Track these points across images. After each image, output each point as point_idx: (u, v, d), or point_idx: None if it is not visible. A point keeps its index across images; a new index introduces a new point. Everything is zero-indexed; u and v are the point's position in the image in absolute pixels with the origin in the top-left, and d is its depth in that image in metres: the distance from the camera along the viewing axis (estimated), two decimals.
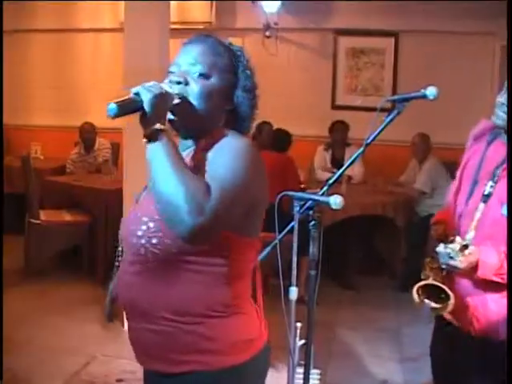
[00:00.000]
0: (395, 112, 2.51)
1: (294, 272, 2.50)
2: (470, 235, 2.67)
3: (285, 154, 6.51)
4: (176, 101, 1.87)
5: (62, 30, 8.80)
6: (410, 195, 6.82)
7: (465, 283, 2.76)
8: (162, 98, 1.78)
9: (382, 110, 2.61)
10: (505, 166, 2.67)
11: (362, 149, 2.59)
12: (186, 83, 1.91)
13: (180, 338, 1.87)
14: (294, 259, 2.49)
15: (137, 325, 1.94)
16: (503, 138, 2.73)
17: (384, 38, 8.05)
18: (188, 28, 7.58)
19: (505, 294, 2.65)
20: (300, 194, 2.47)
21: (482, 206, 2.69)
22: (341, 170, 2.65)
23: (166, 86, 1.86)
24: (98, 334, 4.94)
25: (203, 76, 1.93)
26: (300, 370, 2.58)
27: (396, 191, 6.91)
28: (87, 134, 7.62)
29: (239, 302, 1.94)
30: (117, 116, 1.76)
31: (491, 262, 2.60)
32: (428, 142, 6.99)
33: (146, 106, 1.75)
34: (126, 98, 1.78)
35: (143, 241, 1.85)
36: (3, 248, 5.29)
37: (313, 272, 2.45)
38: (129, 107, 1.77)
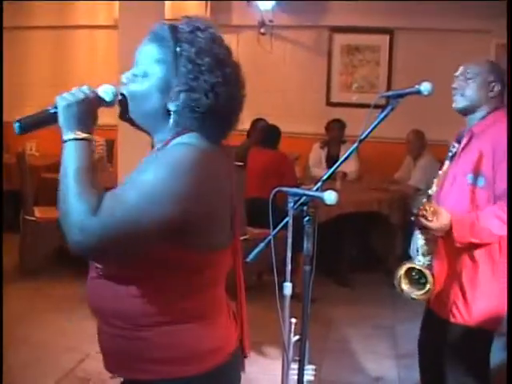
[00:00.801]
0: (389, 108, 2.52)
1: (289, 268, 2.50)
2: (433, 189, 2.86)
3: (275, 150, 6.51)
4: (119, 97, 1.83)
5: (57, 27, 8.81)
6: (405, 192, 6.83)
7: (445, 274, 2.96)
8: (80, 106, 1.73)
9: (377, 106, 2.62)
10: (466, 140, 2.95)
11: (355, 145, 2.59)
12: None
13: (132, 345, 1.82)
14: (289, 255, 2.49)
15: (98, 324, 1.92)
16: (468, 125, 3.00)
17: (379, 36, 8.07)
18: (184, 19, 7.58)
19: (482, 284, 2.88)
20: (294, 190, 2.47)
21: (447, 163, 2.91)
22: (335, 166, 2.65)
23: (106, 90, 1.82)
24: (93, 332, 4.93)
25: (137, 76, 1.81)
26: (295, 365, 2.59)
27: (391, 188, 6.93)
28: None
29: (197, 313, 1.85)
30: (25, 132, 1.76)
31: (464, 222, 2.80)
32: (423, 139, 7.01)
33: (59, 116, 1.73)
34: (40, 112, 1.78)
35: None
36: None
37: (307, 267, 2.45)
38: (39, 121, 1.77)
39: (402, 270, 2.89)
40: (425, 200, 2.84)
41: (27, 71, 8.98)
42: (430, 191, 2.84)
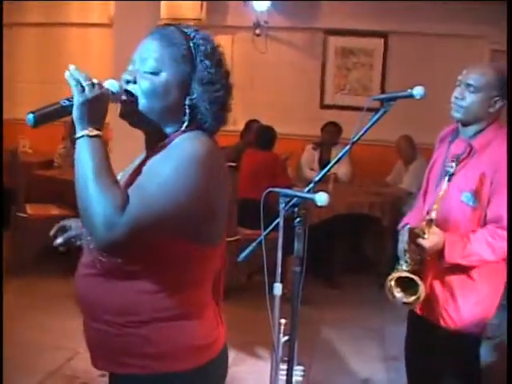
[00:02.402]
0: (382, 111, 2.53)
1: (279, 268, 2.52)
2: (434, 213, 2.80)
3: (271, 151, 6.52)
4: (123, 97, 1.82)
5: (50, 24, 8.78)
6: (396, 195, 6.84)
7: (435, 279, 2.95)
8: (95, 102, 1.74)
9: (370, 109, 2.63)
10: (465, 156, 2.87)
11: (347, 147, 2.61)
12: (135, 81, 1.84)
13: (123, 340, 1.84)
14: (279, 256, 2.51)
15: (86, 322, 1.93)
16: (462, 135, 2.94)
17: (373, 39, 8.08)
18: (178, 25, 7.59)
19: (471, 288, 2.88)
20: (286, 191, 2.48)
21: (445, 184, 2.84)
22: (327, 168, 2.67)
23: (113, 85, 1.82)
24: (82, 330, 4.92)
25: (151, 73, 1.82)
26: (283, 366, 2.60)
27: (383, 191, 6.94)
28: (74, 129, 7.56)
29: (190, 309, 1.87)
30: (39, 124, 1.73)
31: (456, 245, 2.77)
32: (412, 144, 7.03)
33: (75, 112, 1.74)
34: (52, 104, 1.76)
35: (92, 246, 1.82)
36: None
37: (297, 269, 2.46)
38: (53, 113, 1.75)
39: (392, 281, 2.89)
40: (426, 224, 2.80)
41: (19, 68, 8.95)
42: (433, 214, 2.80)
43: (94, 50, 8.64)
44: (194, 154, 1.73)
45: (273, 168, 6.27)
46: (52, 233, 2.08)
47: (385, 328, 5.50)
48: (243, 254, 2.80)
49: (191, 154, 1.73)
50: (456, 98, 2.89)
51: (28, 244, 6.39)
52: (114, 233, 1.62)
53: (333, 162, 2.67)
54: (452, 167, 2.83)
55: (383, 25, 7.82)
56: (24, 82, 8.92)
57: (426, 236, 2.76)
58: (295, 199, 2.43)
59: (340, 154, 2.63)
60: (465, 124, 2.93)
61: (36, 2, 8.61)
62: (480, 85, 2.83)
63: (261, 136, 6.64)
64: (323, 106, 8.35)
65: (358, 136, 2.56)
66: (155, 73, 1.82)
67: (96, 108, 1.75)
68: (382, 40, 8.06)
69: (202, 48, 1.84)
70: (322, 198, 2.33)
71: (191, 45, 1.84)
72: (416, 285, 2.80)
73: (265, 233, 2.49)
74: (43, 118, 1.73)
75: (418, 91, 2.52)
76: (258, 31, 7.98)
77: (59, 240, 2.06)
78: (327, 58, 8.31)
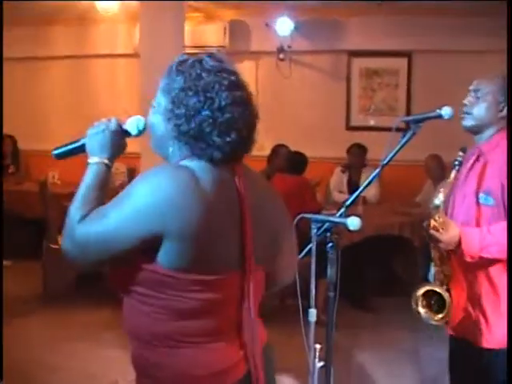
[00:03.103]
0: (411, 132, 2.52)
1: (313, 293, 2.50)
2: (440, 198, 2.78)
3: (300, 176, 6.51)
4: (134, 133, 2.05)
5: (78, 57, 8.91)
6: (426, 215, 6.76)
7: (464, 298, 2.88)
8: (102, 136, 1.98)
9: (398, 129, 2.62)
10: (474, 158, 2.89)
11: (378, 170, 2.59)
12: None
13: (135, 359, 1.97)
14: (313, 281, 2.49)
15: None
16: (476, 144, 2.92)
17: (397, 59, 8.09)
18: (202, 52, 7.65)
19: (502, 303, 2.79)
20: (318, 216, 2.47)
21: (453, 173, 2.84)
22: (358, 191, 2.66)
23: (131, 121, 2.03)
24: (119, 359, 4.94)
25: (154, 107, 1.95)
26: None
27: (413, 211, 6.88)
28: None
29: (188, 338, 1.86)
30: (61, 158, 2.08)
31: (473, 235, 2.74)
32: (441, 163, 6.95)
33: (87, 141, 2.00)
34: (73, 141, 2.07)
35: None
36: (21, 274, 5.33)
37: (331, 294, 2.45)
38: (72, 150, 2.07)
39: (420, 291, 2.86)
40: (434, 219, 2.80)
41: (48, 100, 9.08)
42: (436, 201, 2.79)
43: (121, 80, 8.74)
44: (152, 178, 1.80)
45: (302, 193, 6.25)
46: None
47: (420, 350, 5.43)
48: None
49: (150, 178, 1.80)
50: (465, 105, 2.89)
51: (60, 275, 6.41)
52: (66, 243, 1.83)
53: (363, 185, 2.66)
54: (461, 156, 2.82)
55: (407, 44, 7.82)
56: (54, 113, 9.02)
57: (437, 218, 2.77)
58: (327, 224, 2.42)
59: (370, 178, 2.62)
60: (476, 132, 2.91)
61: (63, 33, 8.72)
62: (487, 90, 2.84)
63: (292, 161, 6.63)
64: (349, 128, 8.35)
65: (388, 158, 2.55)
66: (156, 106, 1.98)
67: (104, 141, 1.99)
68: (406, 59, 8.06)
69: (179, 82, 1.86)
70: (354, 223, 2.32)
71: (188, 76, 1.87)
72: (443, 303, 2.77)
73: (298, 257, 2.48)
74: (64, 152, 2.08)
75: (446, 111, 2.51)
76: (281, 56, 8.02)
77: None
78: (352, 80, 8.32)
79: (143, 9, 5.68)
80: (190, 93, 1.83)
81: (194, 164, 1.82)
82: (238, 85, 1.89)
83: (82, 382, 4.63)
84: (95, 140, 1.98)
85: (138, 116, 2.03)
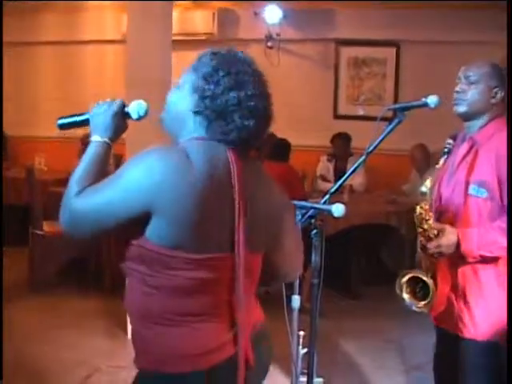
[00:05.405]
0: (396, 121, 2.53)
1: (297, 281, 2.51)
2: (427, 185, 2.84)
3: (286, 163, 6.51)
4: (135, 117, 2.08)
5: (66, 42, 8.87)
6: (413, 204, 6.78)
7: (447, 288, 2.88)
8: (104, 116, 2.05)
9: (384, 119, 2.63)
10: (467, 148, 2.87)
11: (363, 158, 2.60)
12: None
13: (133, 335, 2.00)
14: None
15: None
16: (468, 132, 2.92)
17: (385, 48, 8.08)
18: (190, 39, 7.63)
19: (486, 296, 2.82)
20: (302, 203, 2.48)
21: (442, 160, 2.88)
22: (342, 179, 2.66)
23: (133, 105, 2.08)
24: (103, 346, 4.95)
25: (178, 86, 2.01)
26: (303, 378, 2.59)
27: (399, 200, 6.89)
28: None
29: (179, 317, 1.89)
30: (64, 128, 2.16)
31: (471, 235, 2.73)
32: (427, 153, 6.97)
33: (90, 118, 2.09)
34: (78, 114, 2.15)
35: None
36: (7, 260, 5.31)
37: (315, 280, 2.46)
38: (76, 122, 2.15)
39: (405, 278, 2.88)
40: (421, 206, 2.85)
41: (35, 86, 9.03)
42: (423, 188, 2.80)
43: (109, 66, 8.71)
44: (145, 157, 1.85)
45: (289, 180, 6.25)
46: None
47: (404, 339, 5.45)
48: None
49: (143, 157, 1.86)
50: (457, 92, 2.87)
51: (45, 261, 6.40)
52: (63, 214, 1.86)
53: (348, 173, 2.66)
54: (450, 144, 2.86)
55: (395, 34, 7.81)
56: (41, 99, 8.98)
57: (424, 206, 2.84)
58: (312, 211, 2.43)
59: (355, 165, 2.63)
60: (468, 119, 2.89)
61: (52, 20, 8.68)
62: (478, 77, 2.83)
63: (276, 149, 6.63)
64: (337, 117, 8.35)
65: (373, 146, 2.56)
66: (179, 86, 2.03)
67: (105, 121, 2.06)
68: (395, 49, 8.06)
69: (209, 62, 1.96)
70: (338, 209, 2.33)
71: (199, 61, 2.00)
72: (428, 290, 2.79)
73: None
74: (69, 124, 2.16)
75: (432, 100, 2.52)
76: (270, 44, 8.01)
77: None
78: (340, 69, 8.32)
79: None
80: (222, 73, 1.91)
81: (189, 145, 1.89)
82: (265, 84, 2.09)
83: (63, 369, 4.61)
84: (99, 120, 2.06)
85: (141, 101, 2.08)
